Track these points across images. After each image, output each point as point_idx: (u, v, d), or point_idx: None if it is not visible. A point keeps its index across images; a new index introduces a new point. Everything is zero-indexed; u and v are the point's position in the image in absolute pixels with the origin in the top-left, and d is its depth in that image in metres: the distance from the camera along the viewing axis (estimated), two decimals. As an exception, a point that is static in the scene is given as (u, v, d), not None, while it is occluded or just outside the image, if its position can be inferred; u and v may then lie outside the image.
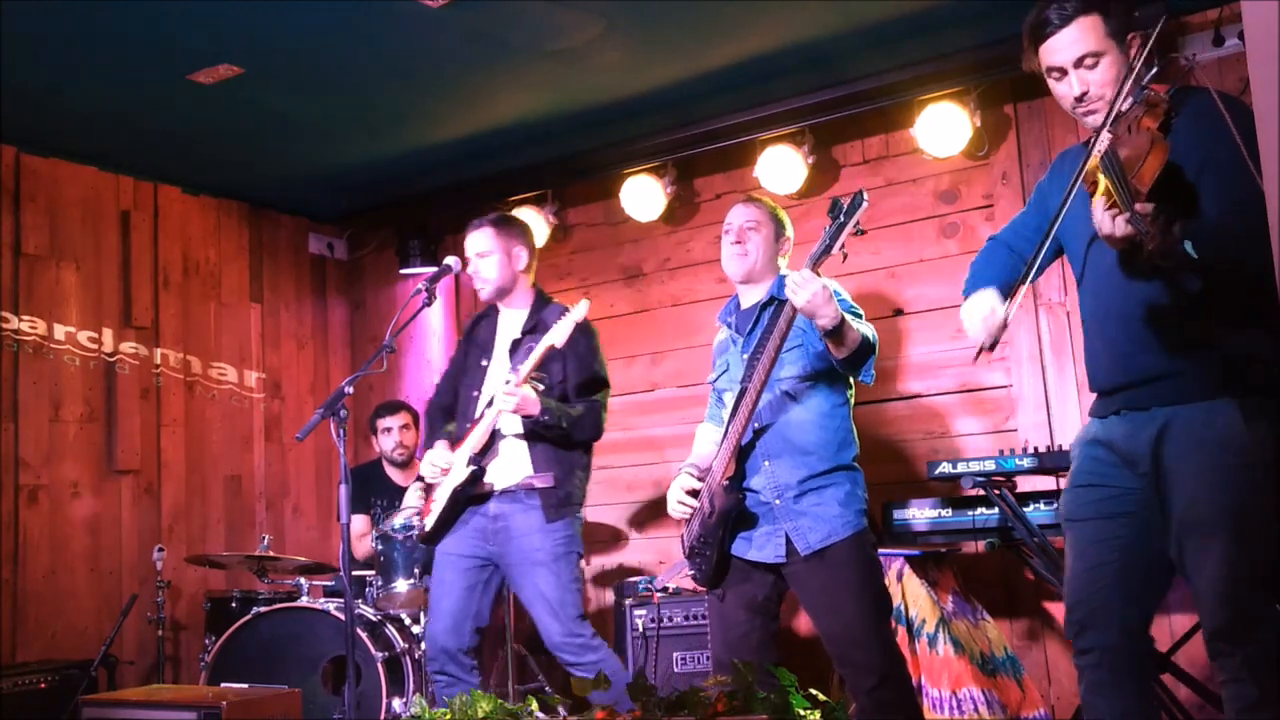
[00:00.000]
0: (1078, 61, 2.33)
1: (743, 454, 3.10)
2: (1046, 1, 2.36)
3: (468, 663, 3.61)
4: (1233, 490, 2.20)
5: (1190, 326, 2.27)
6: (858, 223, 2.83)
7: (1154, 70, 2.30)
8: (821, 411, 3.10)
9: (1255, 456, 2.19)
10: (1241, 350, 2.25)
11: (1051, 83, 2.41)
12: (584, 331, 3.68)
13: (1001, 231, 2.72)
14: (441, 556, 3.70)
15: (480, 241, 3.77)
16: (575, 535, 3.65)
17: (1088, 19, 2.31)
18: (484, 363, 3.79)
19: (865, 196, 2.83)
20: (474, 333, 3.91)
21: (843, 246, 2.83)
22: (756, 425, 3.09)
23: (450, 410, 3.87)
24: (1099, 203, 2.09)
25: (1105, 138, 2.21)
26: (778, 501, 3.04)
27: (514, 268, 3.78)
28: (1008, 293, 2.35)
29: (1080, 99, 2.34)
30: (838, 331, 2.84)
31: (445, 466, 3.65)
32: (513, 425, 3.63)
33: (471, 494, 3.64)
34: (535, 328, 3.69)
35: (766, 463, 3.07)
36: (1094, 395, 2.49)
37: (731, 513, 3.04)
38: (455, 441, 3.71)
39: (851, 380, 3.20)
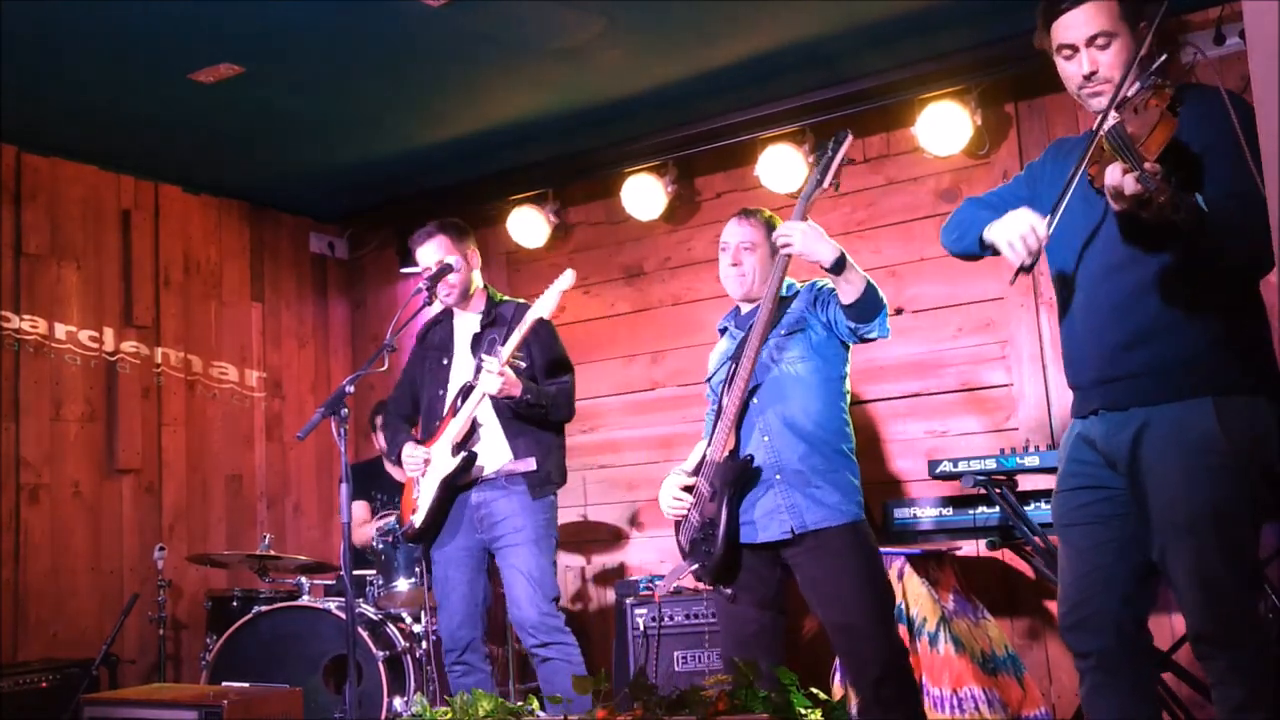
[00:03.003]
0: (1089, 40, 2.35)
1: (738, 426, 3.11)
2: None
3: (484, 650, 3.74)
4: (1211, 490, 2.19)
5: (1172, 325, 2.27)
6: (845, 155, 2.97)
7: (1163, 58, 2.31)
8: (822, 397, 3.11)
9: (1232, 457, 2.19)
10: (1222, 348, 2.25)
11: (1060, 61, 2.42)
12: (542, 320, 3.77)
13: (984, 196, 2.69)
14: (439, 555, 3.77)
15: (437, 248, 3.85)
16: (553, 519, 3.77)
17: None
18: (445, 362, 3.89)
19: (849, 132, 3.00)
20: (427, 338, 4.03)
21: (834, 179, 2.97)
22: (755, 402, 3.09)
23: (410, 418, 3.98)
24: (1113, 167, 2.08)
25: (1113, 117, 2.23)
26: (778, 475, 3.04)
27: (470, 268, 3.90)
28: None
29: (1089, 77, 2.36)
30: (841, 266, 2.89)
31: (426, 457, 3.72)
32: (488, 413, 3.73)
33: (461, 483, 3.71)
34: (494, 321, 3.83)
35: (766, 437, 3.07)
36: (1074, 391, 2.48)
37: (739, 478, 3.04)
38: (425, 441, 3.80)
39: (847, 374, 3.19)
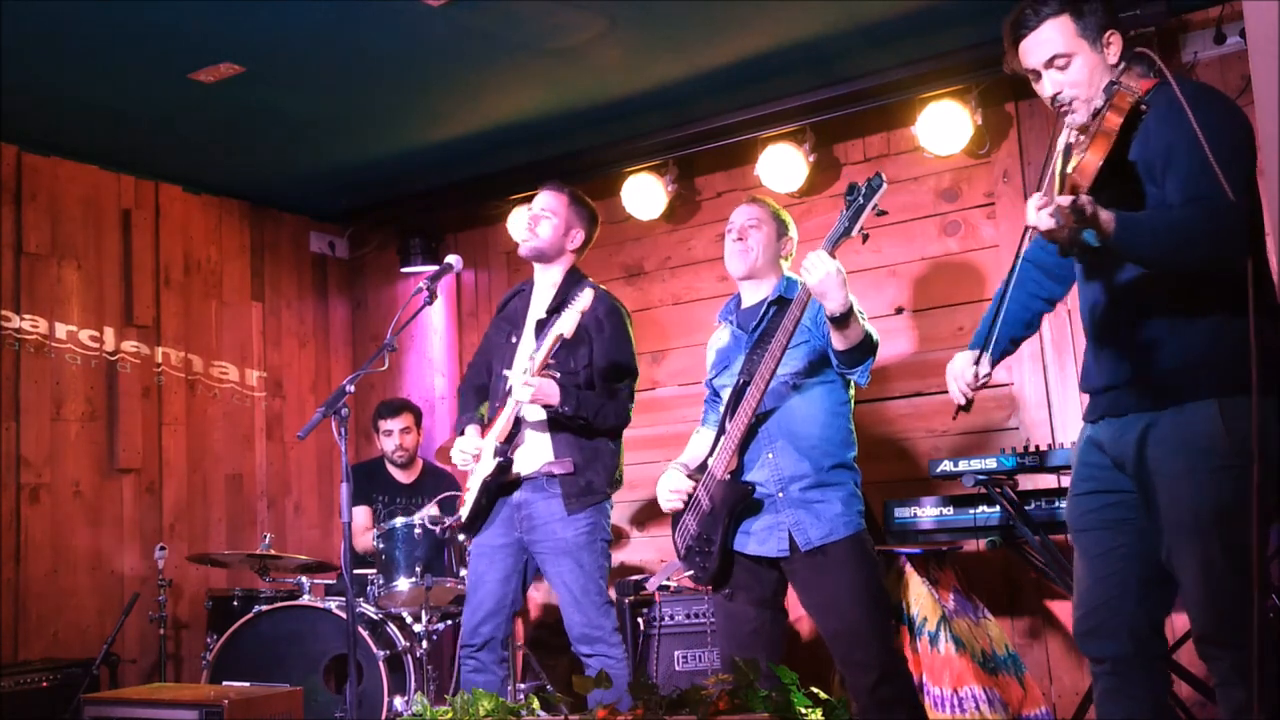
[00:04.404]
0: (1048, 63, 2.35)
1: (743, 446, 3.09)
2: (1022, 2, 2.39)
3: (502, 654, 3.64)
4: (1215, 492, 2.20)
5: (1173, 330, 2.28)
6: (876, 204, 2.85)
7: (1122, 65, 2.31)
8: (825, 408, 3.11)
9: (1236, 458, 2.19)
10: (1222, 350, 2.25)
11: (1033, 82, 2.43)
12: (612, 315, 3.66)
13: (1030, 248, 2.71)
14: (476, 548, 3.70)
15: (548, 200, 3.72)
16: (600, 523, 3.60)
17: (1058, 20, 2.34)
18: (513, 339, 3.74)
19: (884, 178, 2.86)
20: (506, 308, 3.86)
21: (862, 229, 2.85)
22: (759, 415, 3.09)
23: (484, 390, 3.83)
24: (1031, 201, 2.13)
25: (1064, 135, 2.26)
26: (781, 494, 3.04)
27: (564, 242, 3.70)
28: (986, 344, 2.38)
29: (1053, 100, 2.37)
30: (844, 318, 2.85)
31: (475, 453, 3.62)
32: (536, 411, 3.59)
33: (499, 484, 3.61)
34: (560, 306, 3.60)
35: (770, 454, 3.08)
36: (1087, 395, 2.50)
37: (739, 504, 3.04)
38: (487, 424, 3.70)
39: (852, 380, 3.20)
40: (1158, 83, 2.31)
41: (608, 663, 3.51)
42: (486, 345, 3.89)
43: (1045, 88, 2.38)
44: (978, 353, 2.38)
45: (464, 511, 3.70)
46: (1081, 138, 2.23)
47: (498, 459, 3.55)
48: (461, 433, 3.72)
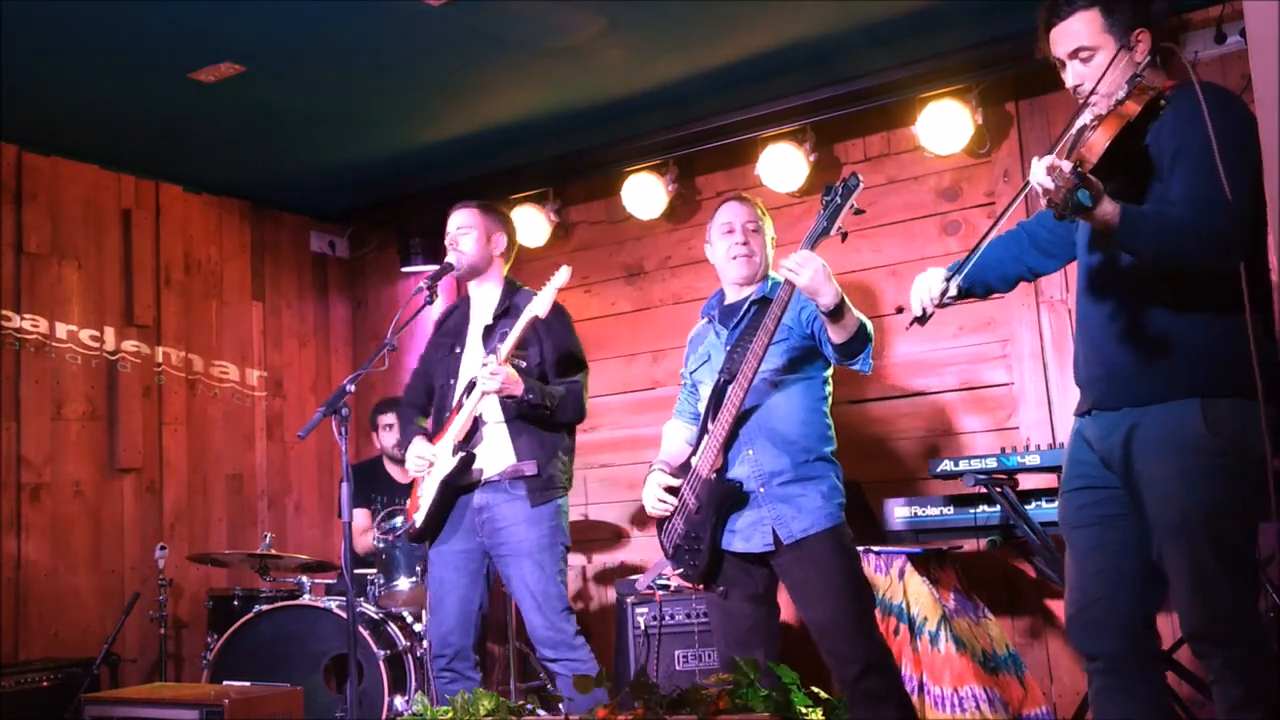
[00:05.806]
0: (1072, 54, 2.39)
1: (727, 445, 3.10)
2: None
3: (474, 658, 3.63)
4: (1203, 490, 2.20)
5: (1162, 326, 2.29)
6: (854, 203, 2.88)
7: (1146, 60, 2.32)
8: (804, 404, 3.12)
9: (1224, 457, 2.20)
10: (1210, 350, 2.26)
11: (1059, 70, 2.46)
12: (558, 312, 3.70)
13: (1029, 220, 2.74)
14: (437, 555, 3.68)
15: (462, 218, 3.81)
16: (560, 525, 3.64)
17: (1088, 13, 2.37)
18: (457, 350, 3.79)
19: (860, 177, 2.91)
20: (444, 324, 3.91)
21: (840, 228, 2.88)
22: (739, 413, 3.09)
23: (424, 408, 3.88)
24: (1037, 161, 2.15)
25: (1086, 116, 2.28)
26: (762, 489, 3.06)
27: (490, 250, 3.81)
28: (962, 269, 2.39)
29: (1074, 90, 2.40)
30: (838, 311, 2.86)
31: (430, 459, 3.63)
32: (494, 412, 3.63)
33: (462, 483, 3.62)
34: (507, 311, 3.71)
35: (750, 450, 3.09)
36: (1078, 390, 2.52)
37: (725, 502, 3.05)
38: (434, 435, 3.70)
39: (830, 376, 3.20)
40: (1177, 83, 2.33)
41: (573, 666, 3.50)
42: (425, 364, 3.93)
43: (1068, 78, 2.41)
44: (949, 274, 2.40)
45: (418, 517, 3.67)
46: (1096, 121, 2.25)
47: (460, 455, 3.57)
48: (409, 444, 3.73)
